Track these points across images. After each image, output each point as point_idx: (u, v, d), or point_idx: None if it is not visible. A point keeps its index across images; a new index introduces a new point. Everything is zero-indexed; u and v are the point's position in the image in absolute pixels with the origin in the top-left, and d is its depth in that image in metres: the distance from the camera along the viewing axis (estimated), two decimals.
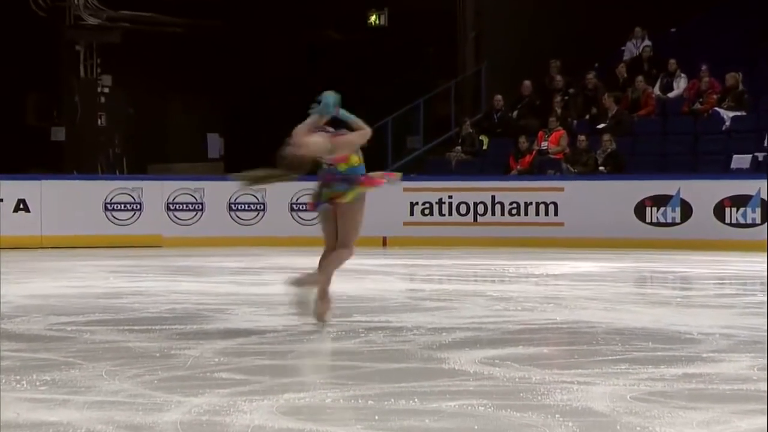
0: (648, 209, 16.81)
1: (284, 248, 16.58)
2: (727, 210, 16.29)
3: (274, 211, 17.76)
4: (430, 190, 17.55)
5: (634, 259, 14.39)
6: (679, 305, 9.03)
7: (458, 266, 13.33)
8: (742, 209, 16.19)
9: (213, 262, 14.00)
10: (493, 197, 17.43)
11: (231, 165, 22.81)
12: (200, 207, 17.75)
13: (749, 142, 18.06)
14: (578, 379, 5.27)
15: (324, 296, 7.17)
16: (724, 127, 18.60)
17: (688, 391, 5.06)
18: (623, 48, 20.96)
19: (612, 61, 20.58)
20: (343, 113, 7.28)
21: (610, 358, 5.96)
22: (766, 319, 7.38)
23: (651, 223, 16.79)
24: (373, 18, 23.17)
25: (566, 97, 19.93)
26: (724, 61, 19.44)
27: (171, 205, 17.68)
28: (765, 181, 15.84)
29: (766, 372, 5.38)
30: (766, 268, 10.89)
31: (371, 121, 22.41)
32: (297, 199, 17.71)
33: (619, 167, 18.00)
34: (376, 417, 4.52)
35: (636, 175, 17.64)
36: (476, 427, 4.32)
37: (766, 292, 9.26)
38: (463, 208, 17.59)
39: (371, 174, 7.22)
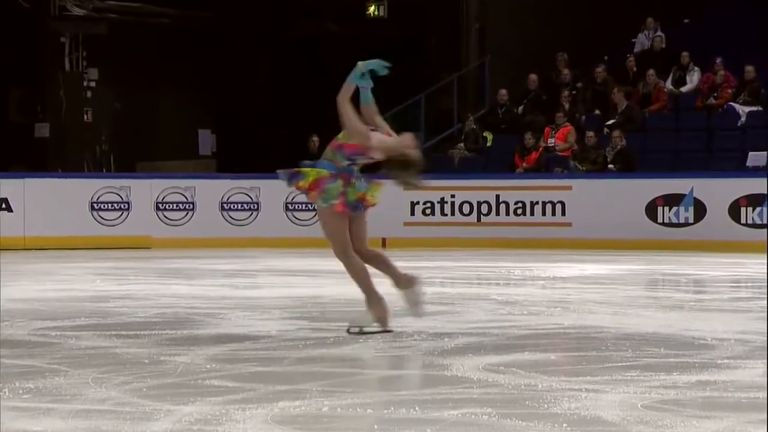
0: (660, 209, 16.81)
1: (279, 250, 16.58)
2: (743, 210, 16.29)
3: (269, 210, 17.77)
4: (432, 188, 17.52)
5: (645, 261, 14.39)
6: (692, 309, 9.04)
7: (461, 268, 13.33)
8: (758, 209, 16.20)
9: (204, 264, 14.00)
10: (497, 196, 17.43)
11: (223, 162, 22.86)
12: (191, 206, 17.76)
13: (766, 138, 18.07)
14: (587, 386, 5.27)
15: (378, 299, 7.11)
16: (739, 123, 18.61)
17: (701, 400, 5.06)
18: (634, 40, 20.97)
19: (622, 54, 20.60)
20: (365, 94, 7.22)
21: (620, 364, 5.96)
22: (766, 322, 7.41)
23: (663, 224, 16.79)
24: (372, 9, 23.20)
25: (574, 92, 19.94)
26: (740, 54, 19.46)
27: (160, 205, 17.68)
28: None
29: (766, 378, 5.39)
30: (766, 269, 10.92)
31: None
32: (292, 199, 17.71)
33: (630, 165, 18.00)
34: (376, 426, 4.52)
35: (647, 173, 17.65)
36: None
37: (766, 294, 9.29)
38: (466, 208, 17.60)
39: None
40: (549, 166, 18.59)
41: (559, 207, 17.28)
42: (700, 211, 16.59)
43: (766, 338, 6.84)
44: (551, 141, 18.96)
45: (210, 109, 23.53)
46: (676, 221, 16.75)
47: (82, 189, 17.59)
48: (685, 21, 21.62)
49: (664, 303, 9.49)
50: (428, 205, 17.61)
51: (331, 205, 7.00)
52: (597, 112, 19.62)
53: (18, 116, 21.74)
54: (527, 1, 21.83)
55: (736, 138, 18.38)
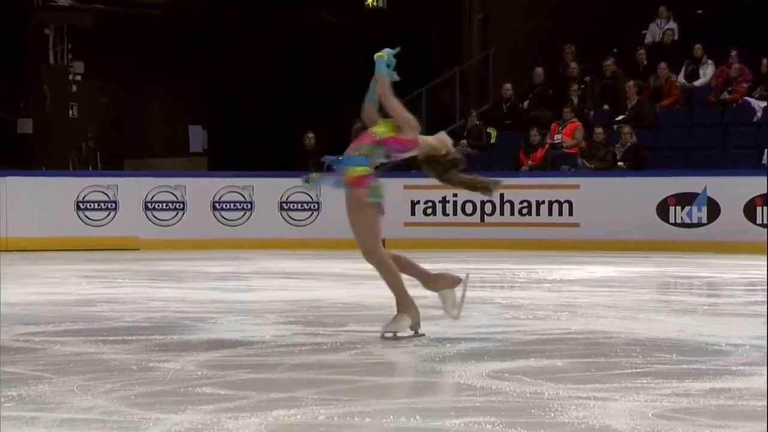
0: (672, 209, 16.82)
1: (273, 251, 16.59)
2: (759, 209, 16.30)
3: (263, 210, 17.78)
4: (433, 187, 17.40)
5: (656, 263, 14.39)
6: (705, 314, 9.04)
7: (464, 271, 13.33)
8: None
9: (195, 267, 14.00)
10: (501, 195, 17.43)
11: (215, 160, 22.87)
12: (181, 206, 17.76)
13: None
14: (595, 394, 5.27)
15: (411, 302, 7.12)
16: (755, 119, 18.62)
17: (715, 408, 5.06)
18: (645, 31, 20.97)
19: (632, 46, 20.60)
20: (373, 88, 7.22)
21: (629, 371, 5.97)
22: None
23: (675, 224, 16.80)
24: None
25: (582, 86, 19.94)
26: (756, 46, 19.45)
27: (149, 204, 17.69)
28: None
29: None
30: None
31: None
32: (287, 198, 17.72)
33: (640, 162, 18.01)
34: None
35: (658, 171, 17.66)
36: None
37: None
38: (468, 208, 17.61)
39: None
40: (555, 163, 18.59)
41: (566, 206, 17.28)
42: (713, 210, 16.59)
43: (766, 342, 6.85)
44: (558, 137, 18.96)
45: (201, 104, 23.53)
46: (689, 221, 16.76)
47: (67, 188, 17.59)
48: (699, 11, 21.62)
49: (676, 307, 9.50)
50: (429, 204, 17.61)
51: (379, 204, 7.01)
52: (606, 107, 19.63)
53: (0, 112, 21.75)
54: None
55: (752, 134, 18.38)
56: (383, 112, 7.17)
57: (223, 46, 22.56)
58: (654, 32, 20.83)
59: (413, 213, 17.59)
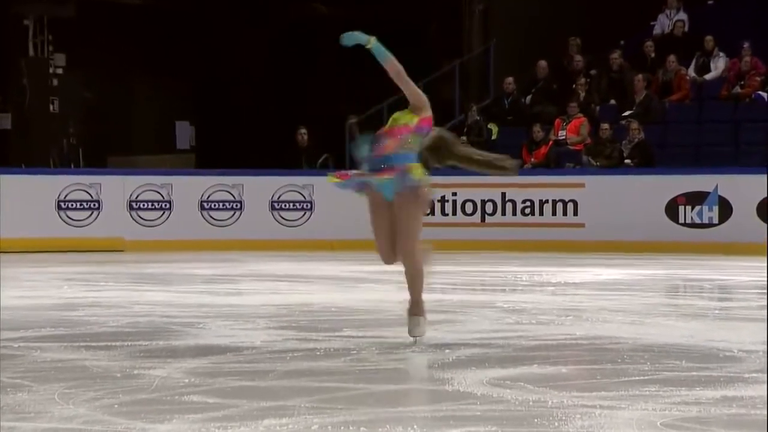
0: (681, 208, 16.84)
1: (264, 253, 16.58)
2: None
3: (253, 210, 17.78)
4: (431, 186, 17.52)
5: (665, 266, 14.40)
6: (716, 318, 9.05)
7: (464, 273, 13.34)
8: None
9: (182, 269, 13.99)
10: (503, 194, 17.45)
11: (203, 157, 22.87)
12: (167, 205, 17.76)
13: None
14: (601, 402, 5.28)
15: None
16: None
17: (727, 417, 5.07)
18: (653, 23, 20.99)
19: (640, 38, 20.61)
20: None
21: (637, 378, 5.97)
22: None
23: (684, 224, 16.81)
24: None
25: (587, 80, 19.96)
26: None
27: (134, 204, 17.69)
28: None
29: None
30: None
31: (363, 108, 22.37)
32: (279, 197, 17.72)
33: (648, 160, 18.03)
34: None
35: (667, 169, 17.67)
36: None
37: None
38: (469, 207, 17.61)
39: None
40: (560, 161, 18.61)
41: (570, 206, 17.29)
42: (725, 210, 16.60)
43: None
44: (562, 134, 18.97)
45: (189, 98, 23.53)
46: (699, 221, 16.77)
47: (47, 186, 17.58)
48: (710, 2, 21.64)
49: (685, 311, 9.51)
50: None
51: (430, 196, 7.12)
52: (612, 102, 19.65)
53: None
54: None
55: (765, 130, 18.39)
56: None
57: (211, 38, 22.56)
58: (663, 23, 20.84)
59: None
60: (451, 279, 12.64)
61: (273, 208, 17.79)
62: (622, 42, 20.81)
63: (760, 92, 18.82)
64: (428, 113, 7.13)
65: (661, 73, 19.58)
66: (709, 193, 16.69)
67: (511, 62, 20.99)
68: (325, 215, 17.50)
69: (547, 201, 17.36)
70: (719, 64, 19.64)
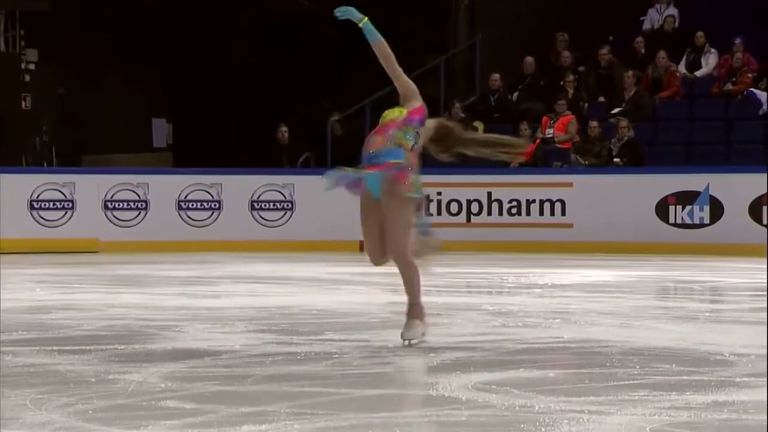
0: (672, 208, 16.87)
1: (243, 254, 16.56)
2: (765, 209, 16.35)
3: (232, 210, 17.75)
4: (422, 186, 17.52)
5: (655, 267, 14.43)
6: (708, 321, 9.07)
7: (449, 275, 13.34)
8: None
9: (159, 271, 13.97)
10: (489, 194, 17.46)
11: (180, 156, 22.82)
12: (144, 205, 17.73)
13: None
14: (589, 407, 5.29)
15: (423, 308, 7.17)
16: (761, 112, 18.68)
17: (718, 422, 5.08)
18: (643, 18, 21.02)
19: (629, 34, 20.64)
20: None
21: (626, 383, 5.98)
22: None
23: (675, 225, 16.85)
24: None
25: (576, 77, 19.98)
26: (762, 34, 19.50)
27: (109, 204, 17.65)
28: None
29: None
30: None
31: (348, 104, 22.34)
32: (258, 196, 17.70)
33: (638, 159, 18.06)
34: None
35: (657, 168, 17.70)
36: None
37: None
38: (454, 207, 17.61)
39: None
40: (547, 160, 18.63)
41: (558, 206, 17.31)
42: (716, 210, 16.64)
43: (766, 347, 6.88)
44: (549, 132, 19.00)
45: (165, 95, 23.49)
46: (690, 222, 16.80)
47: (19, 186, 17.53)
48: None
49: (676, 314, 9.53)
50: None
51: (418, 198, 7.08)
52: (601, 99, 19.67)
53: None
54: None
55: (758, 128, 18.44)
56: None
57: (189, 33, 22.51)
58: (653, 18, 20.89)
59: None
60: (435, 281, 12.63)
61: (252, 207, 17.77)
62: (611, 38, 20.84)
63: (752, 89, 18.86)
64: (418, 103, 7.14)
65: (651, 70, 19.62)
66: (700, 192, 16.73)
67: (498, 58, 21.00)
68: (306, 215, 17.48)
69: (534, 201, 17.37)
70: (710, 61, 19.68)
